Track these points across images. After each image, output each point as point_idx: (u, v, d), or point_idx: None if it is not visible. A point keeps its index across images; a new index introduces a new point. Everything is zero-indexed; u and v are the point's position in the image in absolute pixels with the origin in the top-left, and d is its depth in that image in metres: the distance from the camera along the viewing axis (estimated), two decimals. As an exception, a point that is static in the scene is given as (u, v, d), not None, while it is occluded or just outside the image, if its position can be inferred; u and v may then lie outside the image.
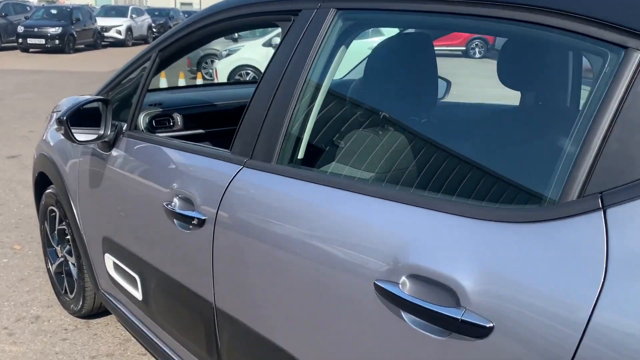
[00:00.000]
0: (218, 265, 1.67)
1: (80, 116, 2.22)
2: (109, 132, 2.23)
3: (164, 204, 1.86)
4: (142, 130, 2.44)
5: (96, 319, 3.00)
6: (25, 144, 6.81)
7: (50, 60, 16.72)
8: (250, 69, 10.77)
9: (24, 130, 7.56)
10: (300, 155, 1.59)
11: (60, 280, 3.07)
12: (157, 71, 2.27)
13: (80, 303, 2.87)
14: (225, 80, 10.72)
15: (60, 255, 3.04)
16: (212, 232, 1.67)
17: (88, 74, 13.90)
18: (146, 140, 2.13)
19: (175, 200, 1.83)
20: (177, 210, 1.78)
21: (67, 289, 2.99)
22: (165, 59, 2.23)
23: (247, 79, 10.77)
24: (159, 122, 2.51)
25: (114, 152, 2.26)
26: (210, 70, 11.98)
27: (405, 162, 1.53)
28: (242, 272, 1.59)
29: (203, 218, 1.69)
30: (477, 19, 1.26)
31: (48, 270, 3.20)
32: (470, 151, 1.49)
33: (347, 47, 1.60)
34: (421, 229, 1.16)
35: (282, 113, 1.56)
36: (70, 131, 2.12)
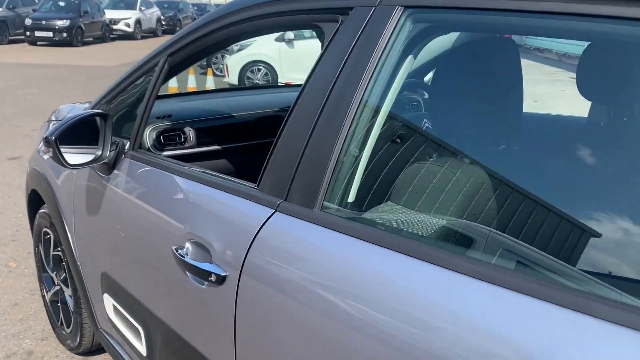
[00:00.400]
0: (242, 335, 1.30)
1: (74, 131, 1.86)
2: (107, 153, 1.86)
3: (174, 248, 1.50)
4: (148, 148, 2.07)
5: (96, 356, 2.65)
6: (27, 144, 6.47)
7: (57, 54, 16.40)
8: (263, 64, 10.39)
9: (27, 129, 7.23)
10: (352, 197, 1.21)
11: (56, 311, 2.71)
12: (166, 79, 1.90)
13: (78, 339, 2.52)
14: (236, 77, 10.35)
15: (56, 282, 2.69)
16: (234, 293, 1.31)
17: (96, 68, 13.56)
18: (152, 163, 1.76)
19: (188, 245, 1.46)
20: (190, 261, 1.41)
21: (64, 321, 2.64)
22: (176, 65, 1.86)
23: (259, 75, 10.38)
24: (168, 138, 2.14)
25: (114, 176, 1.90)
26: (221, 66, 11.59)
27: (502, 215, 1.15)
28: (274, 349, 1.22)
29: (223, 275, 1.32)
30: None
31: (43, 297, 2.85)
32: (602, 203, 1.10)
33: (415, 56, 1.22)
34: (561, 339, 0.78)
35: (329, 143, 1.19)
36: (60, 153, 1.75)
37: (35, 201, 2.69)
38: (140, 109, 1.91)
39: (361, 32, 1.20)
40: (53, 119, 2.76)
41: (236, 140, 2.29)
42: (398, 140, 1.29)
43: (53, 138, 1.72)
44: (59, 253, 2.51)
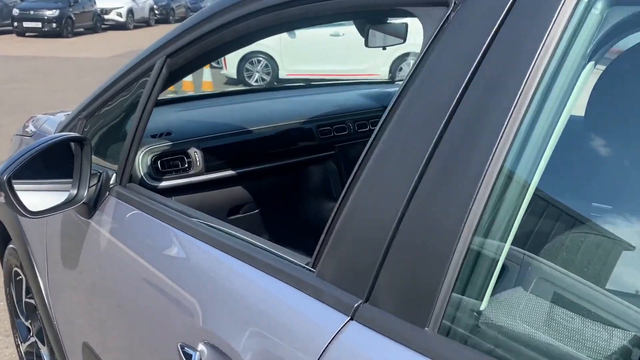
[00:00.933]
0: None
1: (39, 160, 1.36)
2: (85, 192, 1.35)
3: (179, 345, 1.01)
4: (141, 179, 1.56)
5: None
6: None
7: (47, 45, 15.77)
8: (262, 55, 9.82)
9: (12, 129, 6.63)
10: (485, 305, 0.71)
11: (33, 367, 2.22)
12: (165, 87, 1.40)
13: (58, 408, 2.02)
14: (234, 69, 9.78)
15: (32, 333, 2.19)
16: None
17: (87, 60, 12.98)
18: (147, 207, 1.26)
19: (202, 348, 0.96)
20: None
21: (41, 381, 2.15)
22: (179, 69, 1.35)
23: (259, 67, 9.82)
24: (168, 163, 1.63)
25: (96, 219, 1.40)
26: (218, 57, 11.02)
27: None
28: None
29: (264, 413, 0.83)
30: None
31: (17, 346, 2.36)
32: None
33: (596, 62, 0.72)
34: None
35: (454, 205, 0.69)
36: (16, 197, 1.25)
37: (3, 233, 2.19)
38: (130, 126, 1.41)
39: (504, 20, 0.70)
40: (30, 128, 2.26)
41: (257, 162, 1.78)
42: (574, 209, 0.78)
43: (5, 178, 1.21)
44: (33, 301, 2.02)
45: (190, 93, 8.07)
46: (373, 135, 0.80)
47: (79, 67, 11.79)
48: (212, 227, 1.09)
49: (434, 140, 0.72)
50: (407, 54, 9.30)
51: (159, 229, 1.20)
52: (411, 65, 0.78)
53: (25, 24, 17.54)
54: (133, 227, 1.31)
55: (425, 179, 0.72)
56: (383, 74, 9.26)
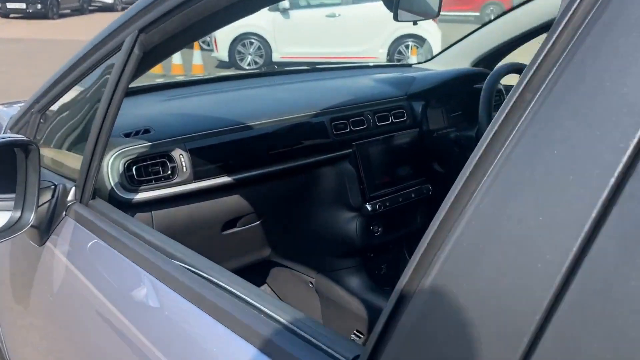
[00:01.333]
0: None
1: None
2: (32, 214, 1.01)
3: None
4: (111, 190, 1.22)
5: None
6: (-12, 133, 5.56)
7: (31, 27, 15.31)
8: (255, 37, 9.40)
9: (-10, 115, 6.30)
10: None
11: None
12: (139, 70, 1.06)
13: None
14: (226, 51, 9.35)
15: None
16: None
17: (73, 42, 12.46)
18: (113, 238, 0.92)
19: None
20: None
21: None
22: (156, 48, 1.01)
23: (251, 49, 9.41)
24: (146, 170, 1.28)
25: (50, 248, 1.07)
26: (208, 39, 10.55)
27: None
28: None
29: None
30: None
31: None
32: None
33: None
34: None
35: None
36: None
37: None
38: (94, 122, 1.06)
39: None
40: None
41: (258, 165, 1.43)
42: None
43: None
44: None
45: (180, 78, 7.69)
46: (485, 142, 0.46)
47: (64, 50, 11.31)
48: (202, 277, 0.75)
49: (628, 155, 0.39)
50: (405, 36, 8.96)
51: (130, 273, 0.86)
52: (548, 39, 0.45)
53: (9, 5, 17.12)
54: (95, 264, 0.98)
55: (608, 229, 0.39)
56: (381, 56, 8.90)
